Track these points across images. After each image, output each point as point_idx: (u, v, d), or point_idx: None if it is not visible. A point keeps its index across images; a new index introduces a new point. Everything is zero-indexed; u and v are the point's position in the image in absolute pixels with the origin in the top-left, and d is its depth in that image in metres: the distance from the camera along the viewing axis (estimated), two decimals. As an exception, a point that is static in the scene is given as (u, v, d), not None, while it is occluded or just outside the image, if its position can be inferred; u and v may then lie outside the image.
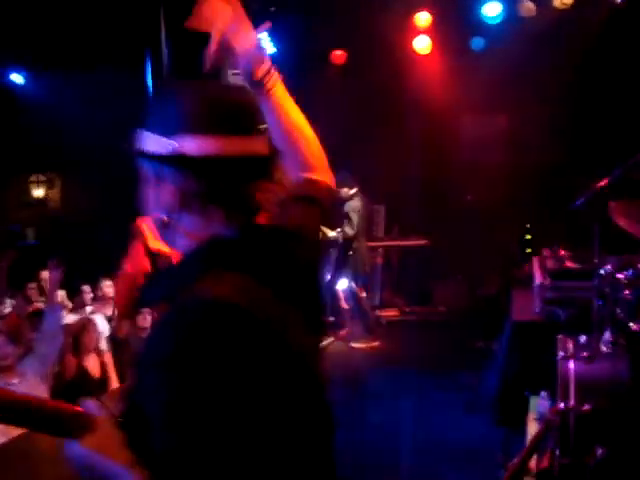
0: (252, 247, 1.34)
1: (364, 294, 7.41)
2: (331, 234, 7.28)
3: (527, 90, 8.14)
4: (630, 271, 3.35)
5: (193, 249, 1.35)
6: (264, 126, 1.37)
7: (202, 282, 1.26)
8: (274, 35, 7.94)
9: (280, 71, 1.59)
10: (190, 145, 1.29)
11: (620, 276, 3.35)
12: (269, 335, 1.27)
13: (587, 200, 3.54)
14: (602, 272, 3.41)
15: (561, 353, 3.36)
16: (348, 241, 7.20)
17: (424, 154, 8.63)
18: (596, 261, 3.54)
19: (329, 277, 7.39)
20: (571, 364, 3.28)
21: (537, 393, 4.03)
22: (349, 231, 7.14)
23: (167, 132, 1.31)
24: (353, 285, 7.28)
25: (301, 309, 1.39)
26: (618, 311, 3.44)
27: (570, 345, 3.45)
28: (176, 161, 1.30)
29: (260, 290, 1.29)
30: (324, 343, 6.45)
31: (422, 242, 8.12)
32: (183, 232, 1.36)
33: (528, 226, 7.44)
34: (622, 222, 3.46)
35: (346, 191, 7.22)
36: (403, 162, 8.61)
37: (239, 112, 1.35)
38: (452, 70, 8.18)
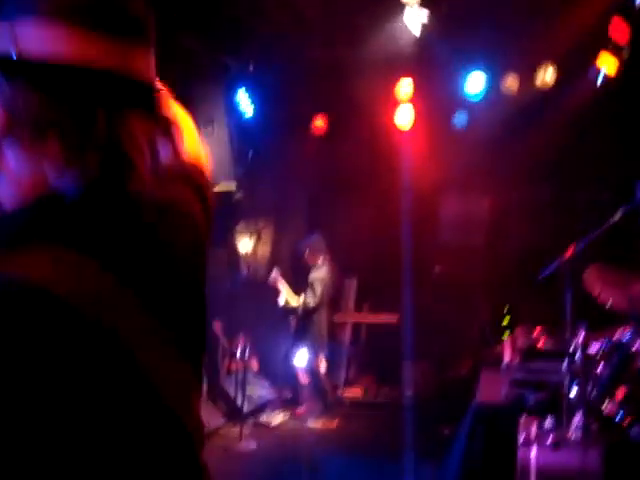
0: (100, 215, 0.89)
1: (324, 370, 6.87)
2: (292, 303, 6.80)
3: (510, 171, 7.86)
4: (603, 344, 2.88)
5: (9, 210, 0.90)
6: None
7: (6, 256, 0.84)
8: (254, 95, 7.67)
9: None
10: (29, 36, 0.85)
11: (592, 350, 2.88)
12: (97, 341, 0.83)
13: (556, 269, 3.15)
14: (573, 346, 2.94)
15: (522, 438, 2.85)
16: (308, 311, 6.71)
17: (402, 230, 8.23)
18: (567, 335, 3.10)
19: (286, 349, 6.89)
20: (533, 451, 2.77)
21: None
22: (310, 301, 6.68)
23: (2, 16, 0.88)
24: (312, 360, 6.72)
25: (166, 318, 0.94)
26: (591, 391, 2.96)
27: (533, 429, 2.95)
28: (5, 60, 0.86)
29: (100, 278, 0.86)
30: (278, 420, 5.72)
31: (393, 319, 7.67)
32: (4, 174, 0.91)
33: (507, 307, 7.04)
34: (596, 289, 3.04)
35: (314, 257, 6.77)
36: (379, 237, 8.22)
37: (112, 3, 0.90)
38: (433, 146, 7.86)
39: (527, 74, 7.04)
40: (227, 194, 7.39)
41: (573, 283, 3.17)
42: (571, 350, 2.93)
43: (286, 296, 6.81)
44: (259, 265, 8.56)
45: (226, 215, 8.21)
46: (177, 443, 0.97)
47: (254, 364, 7.49)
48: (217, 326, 7.03)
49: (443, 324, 7.40)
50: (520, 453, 2.77)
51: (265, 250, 9.02)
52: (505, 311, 6.90)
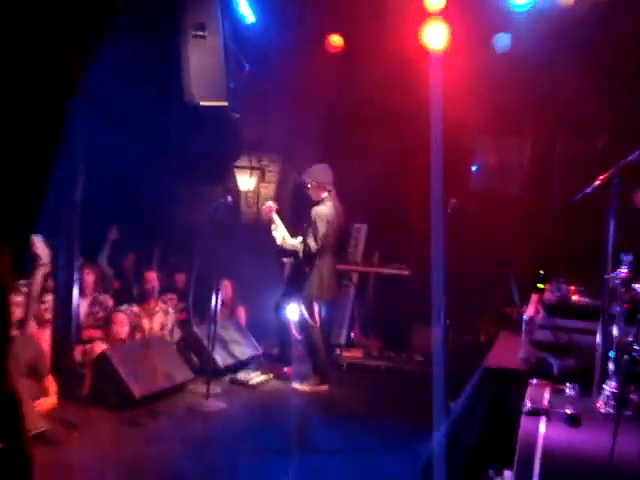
0: None
1: (318, 325, 6.21)
2: (290, 241, 6.15)
3: (557, 110, 7.09)
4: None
5: None
6: None
7: None
8: (258, 2, 6.94)
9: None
10: None
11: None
12: None
13: (594, 191, 2.46)
14: (613, 279, 2.21)
15: (529, 404, 2.15)
16: (308, 255, 6.05)
17: (426, 173, 7.50)
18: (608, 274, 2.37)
19: (278, 298, 6.28)
20: (542, 425, 2.07)
21: (501, 471, 2.82)
22: (311, 243, 6.00)
23: None
24: (307, 313, 6.09)
25: None
26: (635, 352, 2.24)
27: (547, 395, 2.25)
28: None
29: None
30: (259, 379, 5.05)
31: (405, 272, 7.06)
32: None
33: (542, 272, 6.40)
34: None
35: (318, 190, 6.13)
36: (398, 178, 7.58)
37: None
38: (468, 72, 6.93)
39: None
40: (219, 114, 6.67)
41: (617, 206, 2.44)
42: (607, 282, 2.20)
43: (283, 234, 6.17)
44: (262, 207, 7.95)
45: (221, 144, 7.64)
46: None
47: (241, 314, 7.16)
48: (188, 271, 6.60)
49: (466, 281, 6.53)
50: (523, 426, 2.06)
51: (269, 190, 8.61)
52: (540, 273, 6.26)
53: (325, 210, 6.08)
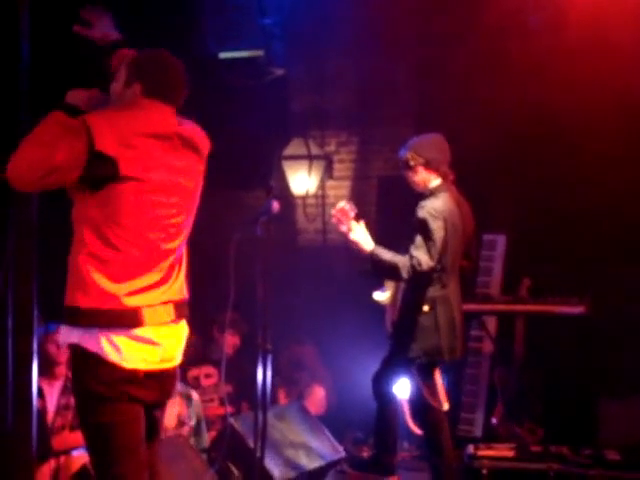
0: None
1: (445, 407, 5.78)
2: (386, 251, 5.55)
3: None
4: None
5: None
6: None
7: None
8: None
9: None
10: None
11: None
12: None
13: None
14: None
15: None
16: (418, 279, 5.43)
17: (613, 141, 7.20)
18: None
19: (380, 366, 5.82)
20: None
21: None
22: (423, 257, 5.36)
23: None
24: (424, 387, 5.63)
25: None
26: None
27: None
28: None
29: None
30: None
31: (579, 309, 6.68)
32: None
33: None
34: None
35: (427, 173, 5.63)
36: (559, 155, 7.55)
37: None
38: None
39: None
40: (250, 71, 7.07)
41: None
42: None
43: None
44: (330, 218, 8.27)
45: (258, 121, 8.03)
46: None
47: (317, 396, 7.41)
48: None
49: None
50: None
51: (341, 190, 8.87)
52: None
53: (441, 206, 5.54)
